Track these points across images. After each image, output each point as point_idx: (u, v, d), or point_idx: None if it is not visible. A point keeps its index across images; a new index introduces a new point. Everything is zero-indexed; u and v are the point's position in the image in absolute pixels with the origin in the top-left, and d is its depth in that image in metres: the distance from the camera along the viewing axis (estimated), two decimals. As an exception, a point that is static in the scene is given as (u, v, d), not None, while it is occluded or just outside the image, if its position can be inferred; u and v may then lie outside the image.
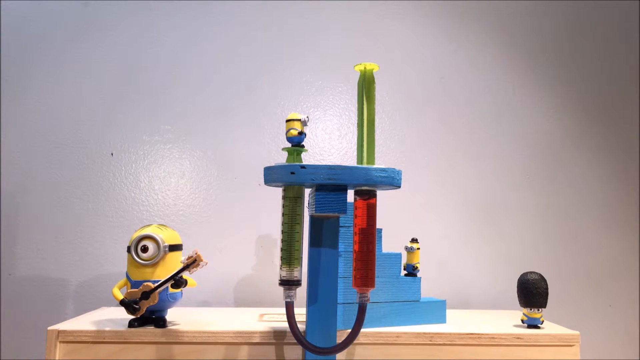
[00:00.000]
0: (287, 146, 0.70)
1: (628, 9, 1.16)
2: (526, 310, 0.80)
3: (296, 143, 0.70)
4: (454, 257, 1.07)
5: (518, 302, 0.81)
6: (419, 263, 0.83)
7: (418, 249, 0.84)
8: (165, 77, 1.06)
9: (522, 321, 0.80)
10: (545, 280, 0.80)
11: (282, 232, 0.68)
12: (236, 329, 0.73)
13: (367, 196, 0.66)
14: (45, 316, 0.99)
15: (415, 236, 1.04)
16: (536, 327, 0.79)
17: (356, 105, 0.70)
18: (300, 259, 0.68)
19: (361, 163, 0.68)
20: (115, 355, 0.71)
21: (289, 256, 0.67)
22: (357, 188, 0.67)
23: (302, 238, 0.69)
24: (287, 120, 0.69)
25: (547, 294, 0.79)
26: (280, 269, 0.68)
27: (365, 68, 0.69)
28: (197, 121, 1.05)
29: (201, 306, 0.99)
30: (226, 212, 1.04)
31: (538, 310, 0.79)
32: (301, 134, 0.69)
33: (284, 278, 0.67)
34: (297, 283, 0.68)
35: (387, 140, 1.08)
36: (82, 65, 1.05)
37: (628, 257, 1.10)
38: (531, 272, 0.81)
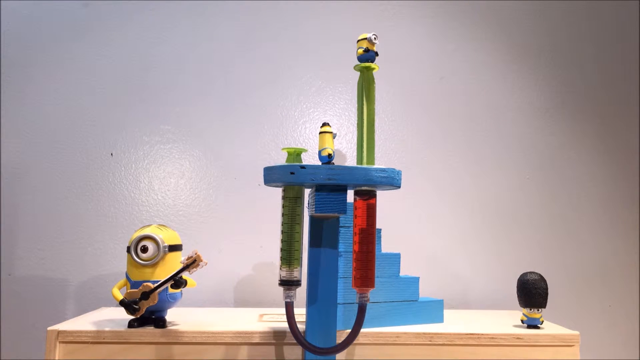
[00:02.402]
0: (287, 146, 0.70)
1: (627, 8, 1.15)
2: (526, 311, 0.80)
3: (365, 60, 0.68)
4: (453, 257, 1.07)
5: (518, 302, 0.81)
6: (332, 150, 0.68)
7: (331, 133, 0.69)
8: (165, 77, 1.06)
9: (522, 321, 0.80)
10: (545, 281, 0.80)
11: (282, 232, 0.68)
12: (236, 329, 0.72)
13: (367, 196, 0.66)
14: (45, 316, 0.99)
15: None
16: (536, 327, 0.79)
17: (356, 105, 0.70)
18: (300, 259, 0.68)
19: (361, 163, 0.68)
20: (115, 355, 0.71)
21: (289, 256, 0.68)
22: (357, 188, 0.67)
23: (302, 238, 0.69)
24: (358, 40, 0.69)
25: (546, 294, 0.79)
26: (280, 269, 0.68)
27: (365, 68, 0.68)
28: (197, 121, 1.05)
29: (201, 306, 0.99)
30: (226, 212, 1.04)
31: (538, 310, 0.79)
32: (368, 51, 0.68)
33: (284, 278, 0.67)
34: (297, 283, 0.68)
35: (387, 140, 1.08)
36: (82, 66, 1.05)
37: (628, 257, 1.10)
38: (531, 272, 0.81)
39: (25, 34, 1.04)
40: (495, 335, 0.74)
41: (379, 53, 0.69)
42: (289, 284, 0.67)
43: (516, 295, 0.82)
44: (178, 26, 1.07)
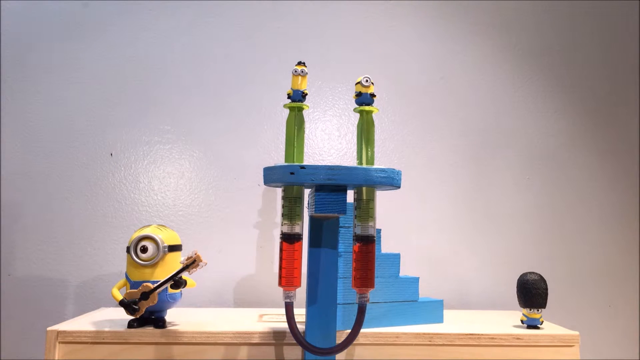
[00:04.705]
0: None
1: (628, 9, 1.15)
2: (526, 311, 0.80)
3: (360, 103, 0.69)
4: (453, 258, 1.07)
5: (518, 303, 0.81)
6: None
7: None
8: (165, 78, 1.06)
9: (522, 321, 0.80)
10: (544, 281, 0.80)
11: (282, 232, 0.68)
12: (236, 329, 0.72)
13: (367, 242, 0.66)
14: (45, 316, 0.99)
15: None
16: (536, 327, 0.79)
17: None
18: (301, 215, 0.68)
19: (361, 163, 0.67)
20: (115, 355, 0.71)
21: (290, 212, 0.67)
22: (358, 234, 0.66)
23: (301, 238, 0.69)
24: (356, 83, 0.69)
25: (546, 294, 0.79)
26: (282, 225, 0.67)
27: (365, 111, 0.68)
28: (197, 121, 1.05)
29: (201, 306, 0.99)
30: (226, 212, 1.04)
31: (537, 310, 0.79)
32: (360, 94, 0.68)
33: (285, 232, 0.66)
34: (299, 237, 0.67)
35: (387, 140, 1.08)
36: (82, 66, 1.05)
37: (628, 257, 1.10)
38: (531, 273, 0.81)
39: (25, 34, 1.04)
40: (495, 336, 0.74)
41: (376, 95, 0.69)
42: (290, 237, 0.66)
43: (516, 295, 0.82)
44: (178, 26, 1.07)
